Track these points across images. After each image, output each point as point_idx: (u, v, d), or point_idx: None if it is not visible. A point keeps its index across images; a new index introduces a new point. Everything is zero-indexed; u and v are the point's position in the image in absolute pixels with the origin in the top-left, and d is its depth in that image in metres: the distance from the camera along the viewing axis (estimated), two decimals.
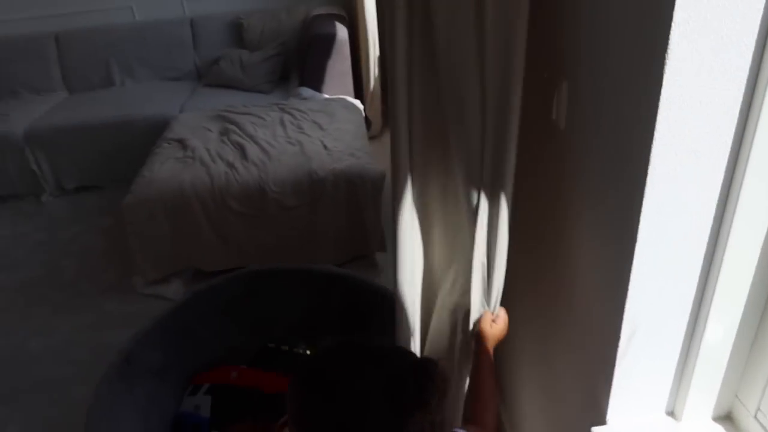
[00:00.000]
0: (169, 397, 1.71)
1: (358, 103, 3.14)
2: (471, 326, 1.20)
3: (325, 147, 2.58)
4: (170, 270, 2.52)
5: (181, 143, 2.72)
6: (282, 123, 2.83)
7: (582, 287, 1.01)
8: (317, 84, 3.24)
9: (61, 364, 2.19)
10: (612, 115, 0.83)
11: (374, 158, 2.61)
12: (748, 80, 0.69)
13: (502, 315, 1.21)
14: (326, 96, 3.21)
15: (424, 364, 0.83)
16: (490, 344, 1.17)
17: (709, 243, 0.80)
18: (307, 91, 3.22)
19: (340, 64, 3.24)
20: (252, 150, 2.58)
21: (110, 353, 2.19)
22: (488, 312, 1.18)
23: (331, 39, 3.19)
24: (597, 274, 0.94)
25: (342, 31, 3.24)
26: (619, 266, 0.83)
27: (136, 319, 2.35)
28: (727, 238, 0.78)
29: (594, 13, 0.86)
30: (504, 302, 1.19)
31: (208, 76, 3.60)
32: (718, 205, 0.77)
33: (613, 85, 0.82)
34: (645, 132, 0.72)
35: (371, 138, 3.35)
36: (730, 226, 0.77)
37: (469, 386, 1.18)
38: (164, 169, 2.52)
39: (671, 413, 0.95)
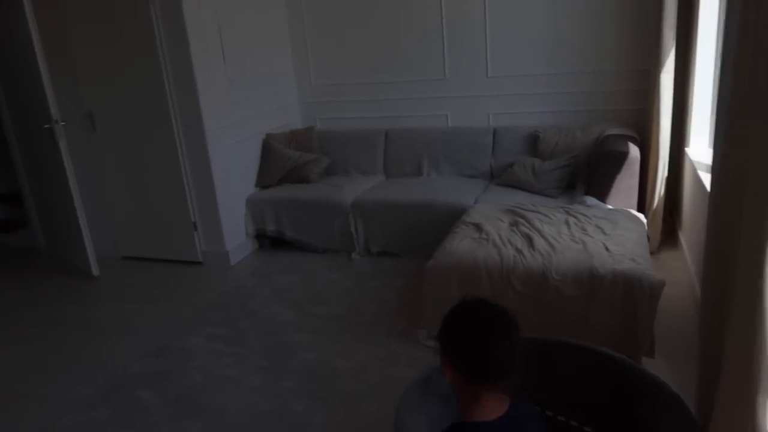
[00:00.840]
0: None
1: (641, 216, 3.30)
2: None
3: (607, 249, 2.80)
4: None
5: (477, 227, 3.19)
6: (567, 223, 3.14)
7: None
8: (602, 195, 3.50)
9: (357, 382, 2.70)
10: None
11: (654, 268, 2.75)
12: None
13: None
14: (610, 207, 3.44)
15: (507, 313, 1.42)
16: None
17: None
18: (592, 200, 3.49)
19: (628, 179, 3.46)
20: (539, 241, 2.92)
21: (396, 381, 2.66)
22: None
23: (623, 156, 3.45)
24: None
25: (634, 150, 3.49)
26: None
27: (417, 362, 2.80)
28: None
29: None
30: None
31: (501, 177, 4.11)
32: None
33: None
34: None
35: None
36: None
37: None
38: (462, 245, 2.99)
39: None
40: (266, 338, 3.15)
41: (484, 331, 1.38)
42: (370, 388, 2.64)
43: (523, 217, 3.26)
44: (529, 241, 2.95)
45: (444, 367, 1.47)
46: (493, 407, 1.39)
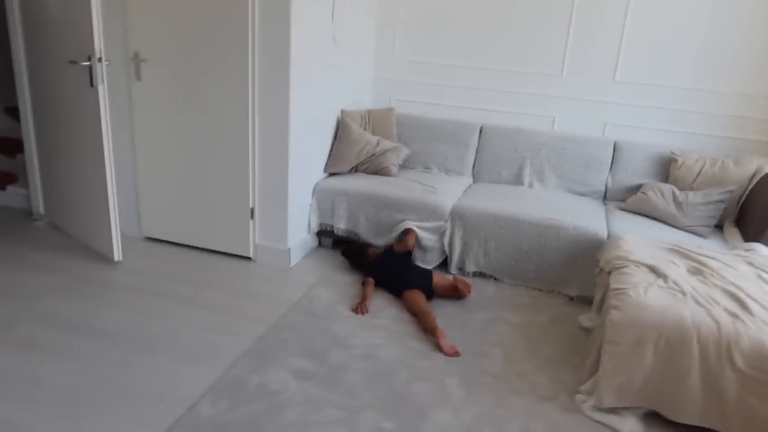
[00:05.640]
0: None
1: None
2: None
3: None
4: (628, 402, 2.26)
5: (652, 270, 2.53)
6: (760, 278, 2.51)
7: None
8: None
9: None
10: None
11: None
12: None
13: None
14: None
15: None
16: None
17: None
18: (764, 249, 2.88)
19: None
20: (752, 305, 2.28)
21: None
22: None
23: None
24: None
25: None
26: None
27: None
28: None
29: None
30: None
31: (628, 201, 3.45)
32: None
33: None
34: None
35: None
36: None
37: None
38: (651, 296, 2.31)
39: None
40: (374, 383, 2.40)
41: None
42: None
43: (700, 263, 2.62)
44: (739, 302, 2.30)
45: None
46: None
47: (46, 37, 3.29)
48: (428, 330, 2.74)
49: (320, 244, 3.70)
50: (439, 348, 2.63)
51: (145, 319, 2.78)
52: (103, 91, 3.01)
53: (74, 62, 3.03)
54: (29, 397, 2.22)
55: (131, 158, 3.49)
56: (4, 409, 2.15)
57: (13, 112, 4.42)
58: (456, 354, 2.60)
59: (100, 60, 2.95)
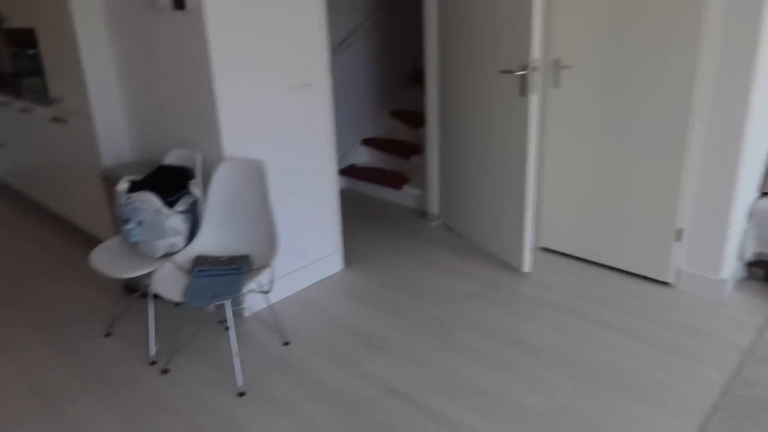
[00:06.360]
0: None
1: None
2: None
3: None
4: None
5: None
6: None
7: None
8: None
9: None
10: None
11: None
12: None
13: None
14: None
15: None
16: None
17: None
18: None
19: None
20: None
21: None
22: None
23: None
24: None
25: None
26: None
27: None
28: None
29: None
30: None
31: None
32: None
33: None
34: None
35: None
36: None
37: None
38: None
39: None
40: None
41: None
42: None
43: None
44: None
45: None
46: None
47: (464, 47, 3.36)
48: None
49: (749, 276, 3.15)
50: None
51: (573, 341, 2.63)
52: (533, 100, 2.93)
53: (507, 71, 3.02)
54: (497, 414, 2.19)
55: (538, 165, 3.40)
56: (474, 422, 2.16)
57: (397, 116, 4.76)
58: None
59: (534, 69, 2.87)
